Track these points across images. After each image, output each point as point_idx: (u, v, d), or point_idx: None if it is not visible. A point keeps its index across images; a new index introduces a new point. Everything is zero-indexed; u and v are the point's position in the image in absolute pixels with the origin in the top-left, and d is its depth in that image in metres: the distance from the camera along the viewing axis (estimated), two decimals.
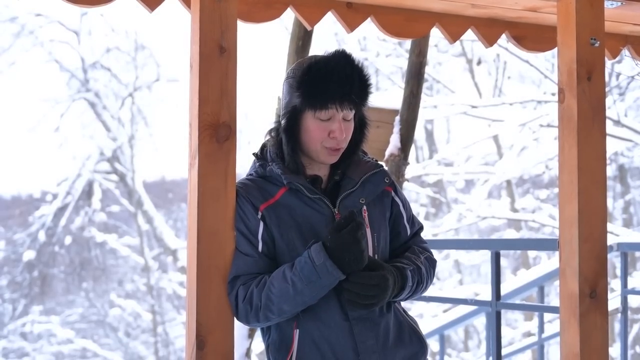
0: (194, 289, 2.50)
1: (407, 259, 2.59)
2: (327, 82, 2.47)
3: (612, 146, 10.52)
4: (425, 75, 6.16)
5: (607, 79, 10.13)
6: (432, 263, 2.68)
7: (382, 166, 2.68)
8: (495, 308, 4.82)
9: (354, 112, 2.54)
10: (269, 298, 2.41)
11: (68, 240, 19.17)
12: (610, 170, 14.43)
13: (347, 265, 2.37)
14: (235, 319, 2.54)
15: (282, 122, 2.55)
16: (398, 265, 2.52)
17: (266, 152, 2.60)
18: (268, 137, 2.63)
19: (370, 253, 2.52)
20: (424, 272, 2.61)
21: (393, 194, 2.68)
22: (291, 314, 2.46)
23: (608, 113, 9.42)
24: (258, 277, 2.47)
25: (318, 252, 2.37)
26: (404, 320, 2.60)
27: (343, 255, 2.36)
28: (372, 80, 2.60)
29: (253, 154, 2.64)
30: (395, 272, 2.47)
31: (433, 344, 8.97)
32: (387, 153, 5.40)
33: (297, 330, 2.48)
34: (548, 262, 6.50)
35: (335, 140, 2.51)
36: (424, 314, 12.39)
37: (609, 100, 9.85)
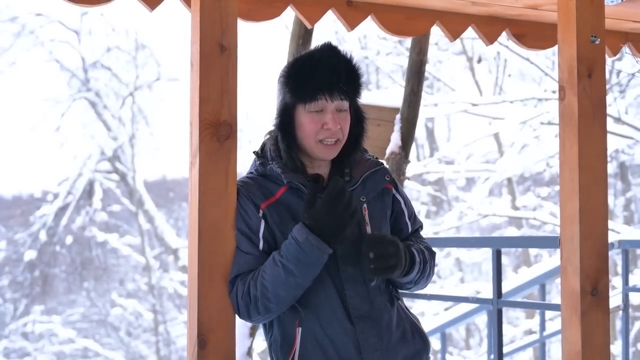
0: (195, 288, 2.50)
1: (407, 243, 2.60)
2: (313, 73, 2.47)
3: (613, 143, 10.53)
4: (426, 74, 6.16)
5: (607, 76, 10.13)
6: (432, 254, 2.68)
7: (382, 164, 2.68)
8: (496, 306, 4.81)
9: (347, 103, 2.53)
10: (263, 285, 2.42)
11: (69, 239, 19.19)
12: (611, 167, 14.44)
13: (330, 237, 2.39)
14: (237, 317, 2.54)
15: (276, 120, 2.56)
16: (405, 242, 2.55)
17: (266, 151, 2.60)
18: (268, 137, 2.63)
19: None
20: (427, 256, 2.63)
21: (394, 191, 2.68)
22: (290, 301, 2.45)
23: (609, 110, 9.42)
24: (255, 271, 2.48)
25: (299, 230, 2.39)
26: (406, 318, 2.60)
27: (324, 233, 2.38)
28: (362, 70, 2.60)
29: (253, 152, 2.65)
30: (402, 245, 2.49)
31: (435, 342, 8.97)
32: (388, 151, 5.41)
33: (300, 328, 2.49)
34: (549, 259, 6.50)
35: (330, 131, 2.49)
36: (425, 312, 12.40)
37: (609, 98, 9.85)
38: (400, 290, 2.65)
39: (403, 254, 2.45)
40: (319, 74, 2.47)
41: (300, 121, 2.51)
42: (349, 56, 2.53)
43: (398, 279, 2.55)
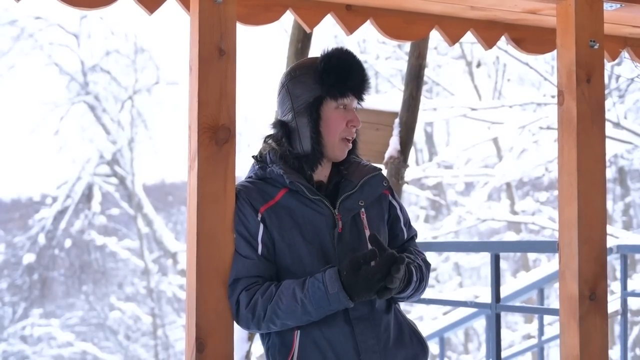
0: (193, 292, 2.50)
1: (408, 257, 2.60)
2: (349, 70, 2.55)
3: (611, 148, 10.52)
4: (425, 78, 6.16)
5: (606, 81, 10.12)
6: (427, 266, 2.70)
7: (380, 169, 2.70)
8: (495, 310, 4.81)
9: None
10: (274, 312, 2.42)
11: (68, 243, 19.16)
12: (610, 172, 14.43)
13: (357, 298, 2.40)
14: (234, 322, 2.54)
15: (303, 118, 2.56)
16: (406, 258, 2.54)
17: (265, 155, 2.60)
18: (265, 145, 2.63)
19: None
20: (424, 271, 2.64)
21: (390, 197, 2.71)
22: (291, 326, 2.48)
23: (608, 115, 9.41)
24: (264, 286, 2.47)
25: (333, 281, 2.38)
26: (403, 321, 2.61)
27: (352, 294, 2.38)
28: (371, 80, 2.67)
29: (252, 156, 2.65)
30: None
31: (433, 347, 8.97)
32: (386, 155, 5.40)
33: (298, 331, 2.49)
34: (548, 264, 6.50)
35: (353, 128, 2.58)
36: (424, 316, 12.37)
37: (608, 103, 9.84)
38: None
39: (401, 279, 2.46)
40: (354, 72, 2.56)
41: (327, 117, 2.56)
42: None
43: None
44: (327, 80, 2.54)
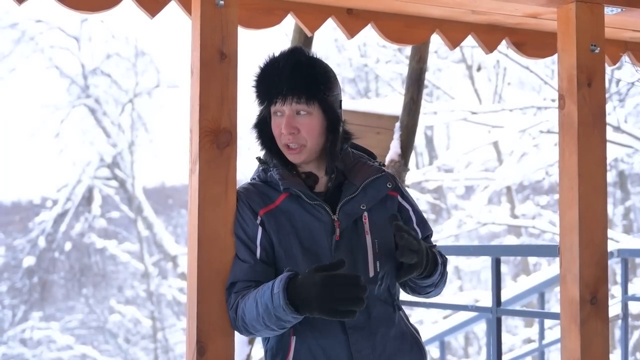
0: (194, 295, 2.50)
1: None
2: (271, 76, 2.47)
3: (612, 152, 10.53)
4: (426, 82, 6.16)
5: (607, 85, 10.12)
6: (444, 260, 2.66)
7: (384, 171, 2.62)
8: (495, 314, 4.81)
9: (308, 105, 2.45)
10: (243, 312, 2.39)
11: (68, 246, 19.17)
12: (611, 176, 14.44)
13: (301, 306, 2.22)
14: None
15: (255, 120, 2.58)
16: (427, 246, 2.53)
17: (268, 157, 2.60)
18: None
19: (371, 259, 2.47)
20: (445, 260, 2.63)
21: (400, 198, 2.63)
22: (271, 334, 2.41)
23: (608, 119, 9.42)
24: (251, 288, 2.45)
25: (280, 280, 2.27)
26: (407, 329, 2.57)
27: (299, 295, 2.21)
28: (329, 73, 2.51)
29: (256, 158, 2.63)
30: (425, 247, 2.46)
31: (433, 351, 8.96)
32: (387, 159, 5.41)
33: (294, 337, 2.46)
34: (548, 268, 6.50)
35: (285, 135, 2.47)
36: (424, 320, 12.38)
37: (609, 107, 9.86)
38: (415, 298, 2.63)
39: (425, 254, 2.43)
40: (276, 77, 2.46)
41: (271, 124, 2.53)
42: (315, 57, 2.51)
43: (421, 281, 2.53)
44: (257, 90, 2.52)
